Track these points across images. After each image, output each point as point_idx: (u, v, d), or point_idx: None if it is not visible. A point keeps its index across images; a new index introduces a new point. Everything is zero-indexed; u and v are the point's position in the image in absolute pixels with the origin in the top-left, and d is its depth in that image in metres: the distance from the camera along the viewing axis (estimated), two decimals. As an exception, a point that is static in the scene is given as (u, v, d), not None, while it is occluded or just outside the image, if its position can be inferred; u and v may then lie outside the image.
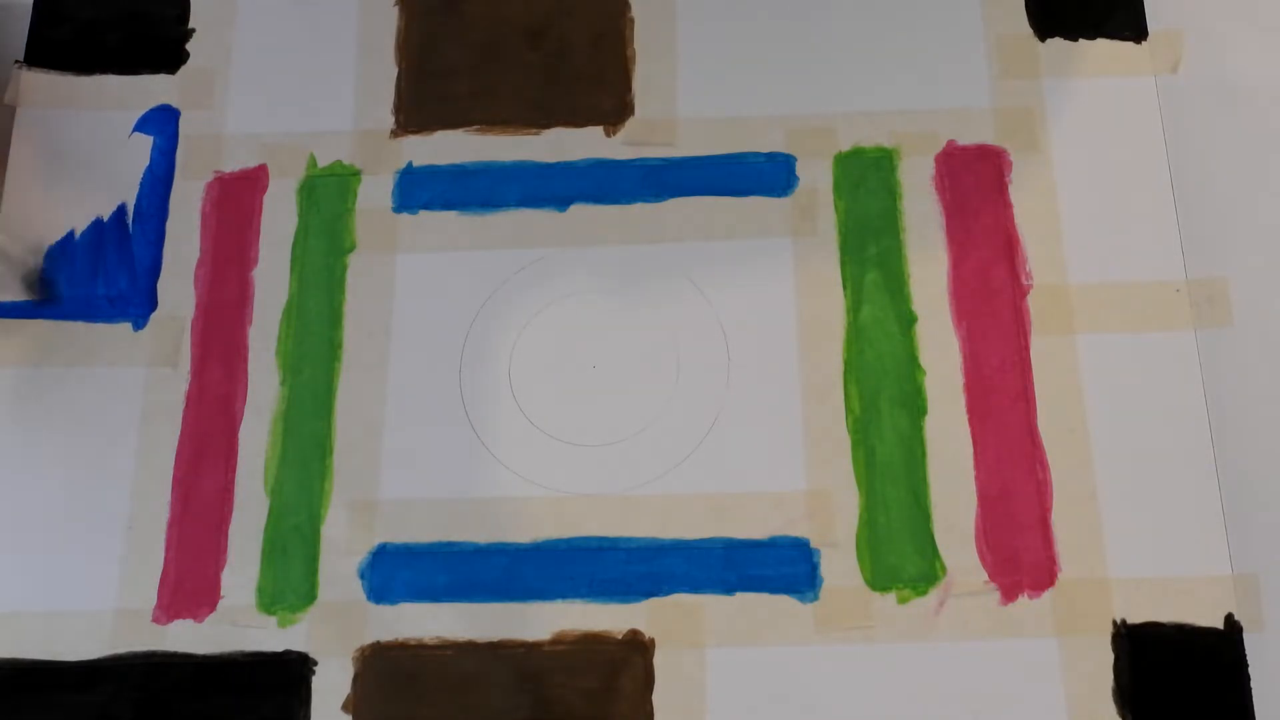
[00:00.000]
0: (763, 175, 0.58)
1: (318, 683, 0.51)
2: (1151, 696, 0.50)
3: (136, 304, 0.57)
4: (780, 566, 0.52)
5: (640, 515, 0.53)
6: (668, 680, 0.51)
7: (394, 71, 0.60)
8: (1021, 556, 0.52)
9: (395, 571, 0.53)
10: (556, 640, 0.52)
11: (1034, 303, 0.55)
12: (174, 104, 0.60)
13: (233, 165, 0.59)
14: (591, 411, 0.55)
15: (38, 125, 0.60)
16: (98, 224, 0.58)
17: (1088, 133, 0.58)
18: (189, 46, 0.61)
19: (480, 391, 0.55)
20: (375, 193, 0.58)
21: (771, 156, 0.58)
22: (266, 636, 0.52)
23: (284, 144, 0.59)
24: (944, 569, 0.52)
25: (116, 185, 0.59)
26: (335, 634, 0.52)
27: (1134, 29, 0.60)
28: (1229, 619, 0.51)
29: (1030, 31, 0.60)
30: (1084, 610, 0.51)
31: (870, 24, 0.60)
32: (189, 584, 0.53)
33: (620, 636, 0.52)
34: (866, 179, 0.58)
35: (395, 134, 0.59)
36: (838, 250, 0.57)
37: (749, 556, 0.52)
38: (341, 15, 0.61)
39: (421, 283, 0.57)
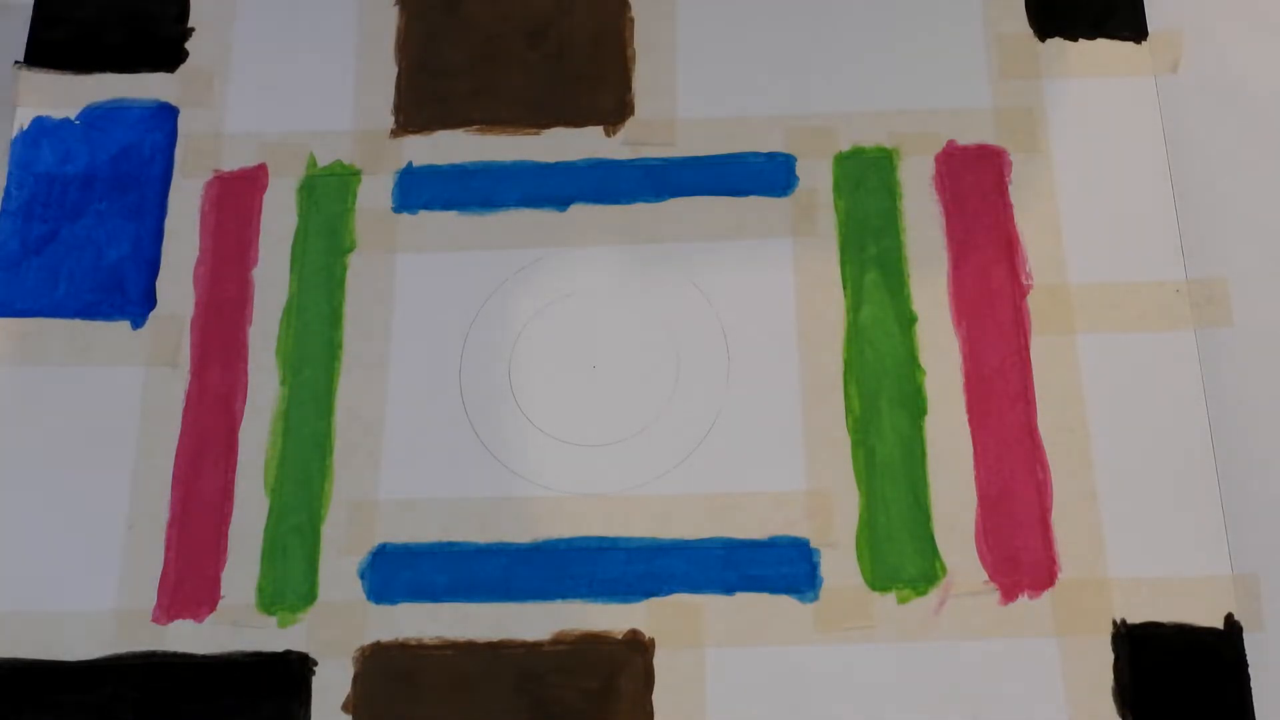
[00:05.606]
0: (763, 175, 0.58)
1: (318, 683, 0.51)
2: (1151, 696, 0.50)
3: (135, 302, 0.57)
4: (780, 566, 0.52)
5: (640, 515, 0.53)
6: (667, 680, 0.51)
7: (394, 71, 0.60)
8: (1021, 556, 0.52)
9: (395, 571, 0.53)
10: (556, 640, 0.52)
11: (1034, 303, 0.55)
12: (173, 102, 0.60)
13: (232, 164, 0.59)
14: (591, 411, 0.55)
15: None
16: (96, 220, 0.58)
17: (1088, 133, 0.58)
18: (188, 45, 0.61)
19: (480, 391, 0.55)
20: (375, 193, 0.58)
21: (771, 156, 0.58)
22: (266, 636, 0.52)
23: (284, 143, 0.59)
24: (944, 569, 0.52)
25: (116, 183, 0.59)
26: (335, 634, 0.52)
27: (1134, 29, 0.60)
28: (1229, 619, 0.51)
29: (1030, 31, 0.60)
30: (1084, 610, 0.51)
31: (870, 24, 0.60)
32: (189, 584, 0.53)
33: (620, 636, 0.52)
34: (866, 179, 0.58)
35: (395, 134, 0.59)
36: (838, 250, 0.57)
37: (749, 556, 0.52)
38: (341, 15, 0.61)
39: (421, 283, 0.57)
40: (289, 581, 0.53)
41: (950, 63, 0.59)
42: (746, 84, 0.59)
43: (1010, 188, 0.57)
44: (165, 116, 0.60)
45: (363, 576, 0.53)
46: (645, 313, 0.56)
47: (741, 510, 0.53)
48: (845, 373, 0.55)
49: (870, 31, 0.60)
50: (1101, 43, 0.59)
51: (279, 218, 0.58)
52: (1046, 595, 0.51)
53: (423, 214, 0.58)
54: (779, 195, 0.58)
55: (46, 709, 0.51)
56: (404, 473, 0.54)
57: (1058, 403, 0.54)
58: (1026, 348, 0.55)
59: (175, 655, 0.52)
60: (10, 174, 0.59)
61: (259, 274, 0.57)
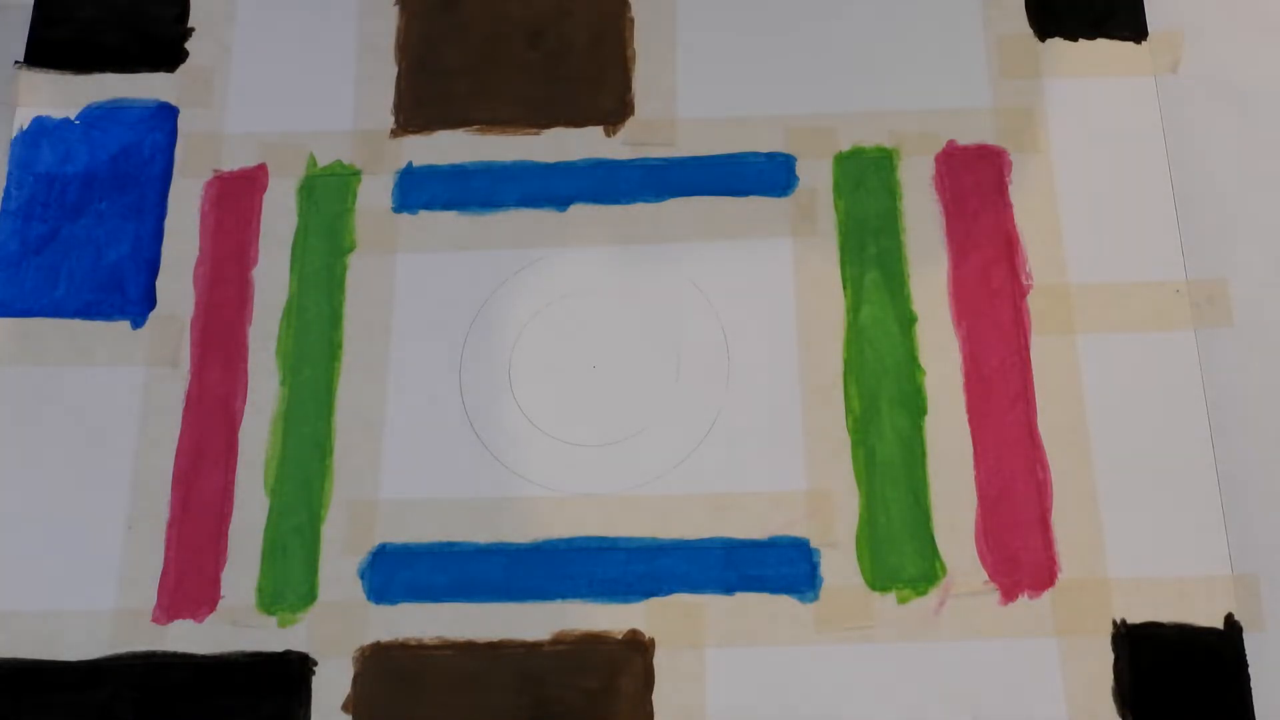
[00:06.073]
0: (763, 175, 0.58)
1: (318, 683, 0.51)
2: (1151, 696, 0.50)
3: (135, 302, 0.57)
4: (780, 566, 0.52)
5: (640, 515, 0.53)
6: (668, 680, 0.51)
7: (394, 71, 0.60)
8: (1021, 556, 0.52)
9: (395, 571, 0.53)
10: (556, 640, 0.52)
11: (1034, 303, 0.55)
12: (173, 102, 0.60)
13: (232, 164, 0.59)
14: (591, 411, 0.55)
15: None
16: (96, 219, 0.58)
17: (1088, 133, 0.58)
18: (188, 45, 0.61)
19: (480, 391, 0.55)
20: (375, 193, 0.58)
21: (771, 156, 0.58)
22: (266, 636, 0.52)
23: (284, 143, 0.59)
24: (944, 569, 0.52)
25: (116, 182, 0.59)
26: (335, 634, 0.52)
27: (1134, 29, 0.60)
28: (1229, 619, 0.51)
29: (1030, 31, 0.60)
30: (1084, 610, 0.51)
31: (870, 24, 0.60)
32: (189, 584, 0.53)
33: (620, 636, 0.52)
34: (866, 179, 0.58)
35: (395, 134, 0.59)
36: (838, 250, 0.57)
37: (749, 556, 0.52)
38: (341, 15, 0.61)
39: (421, 283, 0.57)
40: (289, 581, 0.53)
41: (950, 63, 0.59)
42: (746, 84, 0.59)
43: (1010, 188, 0.57)
44: (165, 116, 0.60)
45: (363, 576, 0.53)
46: (645, 313, 0.56)
47: (741, 510, 0.53)
48: (845, 373, 0.55)
49: (870, 31, 0.60)
50: (1101, 43, 0.59)
51: (279, 218, 0.58)
52: (1046, 595, 0.51)
53: (423, 214, 0.58)
54: (779, 195, 0.58)
55: (46, 709, 0.51)
56: (404, 473, 0.54)
57: (1058, 403, 0.54)
58: (1026, 348, 0.55)
59: (175, 655, 0.52)
60: (10, 174, 0.59)
61: (259, 274, 0.57)
